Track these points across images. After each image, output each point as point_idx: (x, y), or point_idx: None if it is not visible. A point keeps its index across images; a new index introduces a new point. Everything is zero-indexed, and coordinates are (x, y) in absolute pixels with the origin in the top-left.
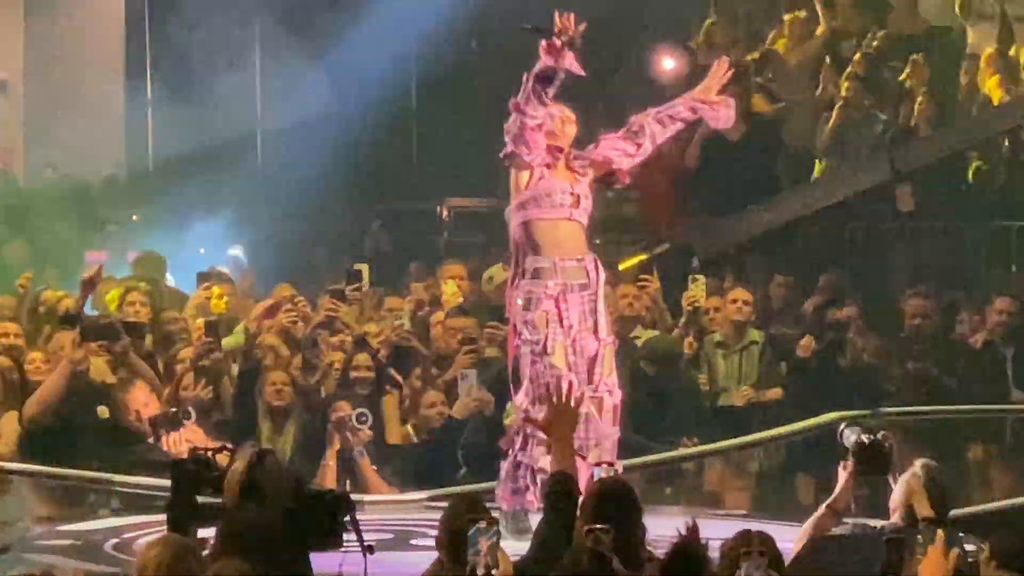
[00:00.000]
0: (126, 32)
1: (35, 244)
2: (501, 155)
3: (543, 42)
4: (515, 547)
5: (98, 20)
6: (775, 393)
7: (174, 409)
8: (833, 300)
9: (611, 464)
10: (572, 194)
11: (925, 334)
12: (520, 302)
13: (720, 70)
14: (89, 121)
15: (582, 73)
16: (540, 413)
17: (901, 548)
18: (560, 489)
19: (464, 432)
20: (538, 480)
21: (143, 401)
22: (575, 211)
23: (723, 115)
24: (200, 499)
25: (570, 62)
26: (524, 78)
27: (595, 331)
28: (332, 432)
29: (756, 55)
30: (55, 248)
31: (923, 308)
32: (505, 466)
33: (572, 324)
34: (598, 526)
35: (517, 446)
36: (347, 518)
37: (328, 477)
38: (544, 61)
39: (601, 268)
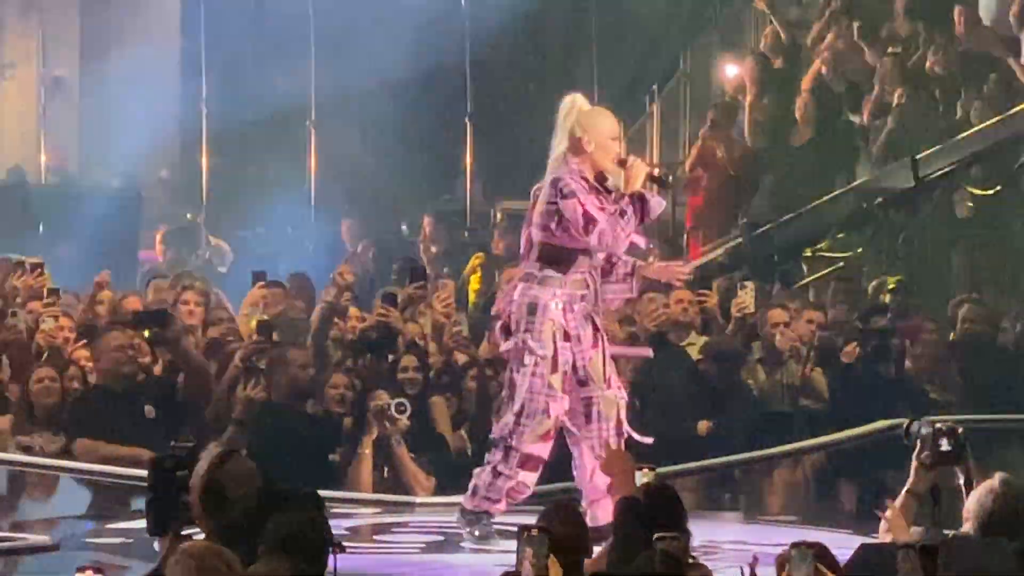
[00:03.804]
0: (182, 30)
1: (90, 243)
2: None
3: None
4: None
5: (154, 18)
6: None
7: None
8: (879, 307)
9: (652, 469)
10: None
11: (974, 341)
12: (526, 306)
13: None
14: (144, 120)
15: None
16: (528, 428)
17: (935, 558)
18: (633, 511)
19: None
20: (512, 496)
21: None
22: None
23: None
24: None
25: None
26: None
27: (593, 335)
28: (370, 421)
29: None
30: (109, 247)
31: (973, 314)
32: (483, 476)
33: (577, 335)
34: (669, 534)
35: (498, 458)
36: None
37: (365, 466)
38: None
39: (599, 278)
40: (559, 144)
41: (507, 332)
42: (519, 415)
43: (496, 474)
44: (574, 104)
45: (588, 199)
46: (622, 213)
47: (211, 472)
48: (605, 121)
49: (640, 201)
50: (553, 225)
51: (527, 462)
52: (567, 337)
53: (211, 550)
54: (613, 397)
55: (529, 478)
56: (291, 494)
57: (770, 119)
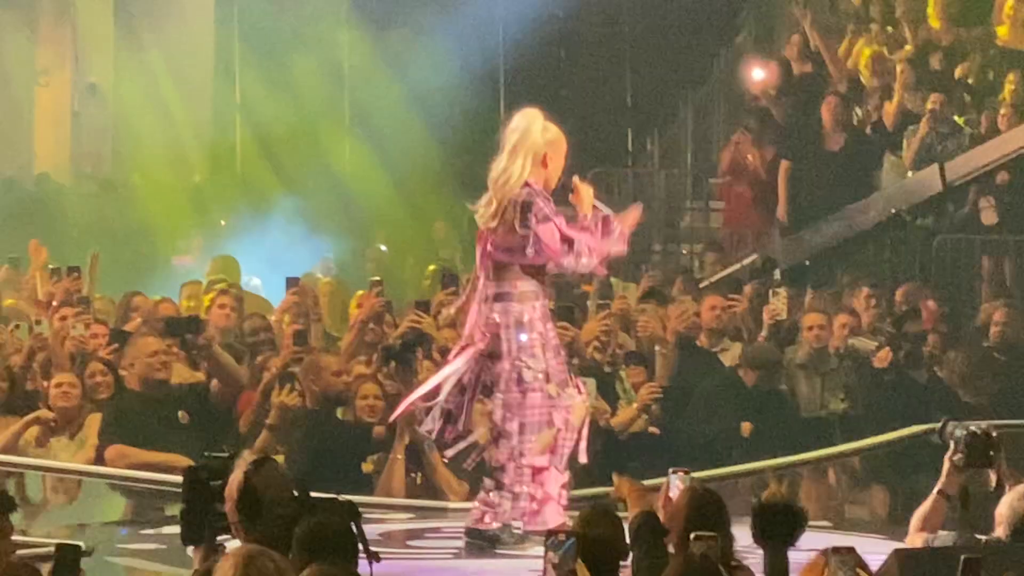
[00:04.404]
0: (216, 38)
1: (124, 249)
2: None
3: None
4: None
5: (188, 26)
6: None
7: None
8: (912, 312)
9: (688, 472)
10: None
11: (1007, 345)
12: (514, 326)
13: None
14: (177, 125)
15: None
16: (532, 443)
17: (978, 570)
18: (649, 525)
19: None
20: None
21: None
22: None
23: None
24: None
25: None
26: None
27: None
28: (401, 426)
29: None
30: (143, 253)
31: (1005, 318)
32: (503, 503)
33: (556, 344)
34: (706, 533)
35: (511, 477)
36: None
37: (397, 470)
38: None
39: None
40: (525, 159)
41: (491, 356)
42: (523, 434)
43: (515, 496)
44: (536, 120)
45: (560, 221)
46: (592, 229)
47: (247, 480)
48: (559, 136)
49: (606, 223)
50: (529, 248)
51: (538, 474)
52: (546, 348)
53: (264, 552)
54: (582, 403)
55: (540, 491)
56: (327, 502)
57: (800, 125)
